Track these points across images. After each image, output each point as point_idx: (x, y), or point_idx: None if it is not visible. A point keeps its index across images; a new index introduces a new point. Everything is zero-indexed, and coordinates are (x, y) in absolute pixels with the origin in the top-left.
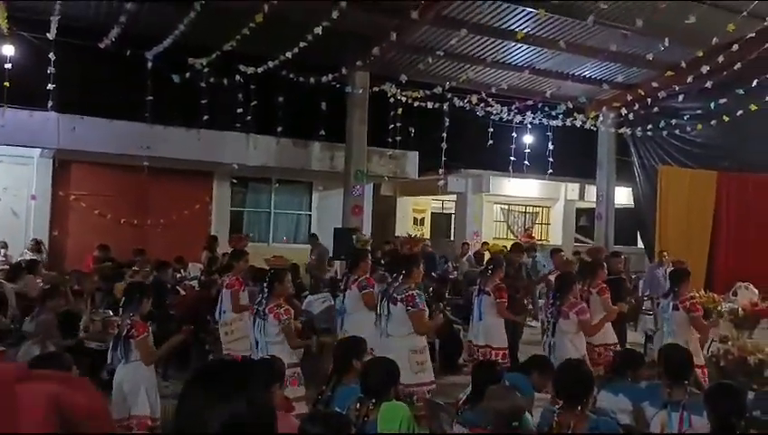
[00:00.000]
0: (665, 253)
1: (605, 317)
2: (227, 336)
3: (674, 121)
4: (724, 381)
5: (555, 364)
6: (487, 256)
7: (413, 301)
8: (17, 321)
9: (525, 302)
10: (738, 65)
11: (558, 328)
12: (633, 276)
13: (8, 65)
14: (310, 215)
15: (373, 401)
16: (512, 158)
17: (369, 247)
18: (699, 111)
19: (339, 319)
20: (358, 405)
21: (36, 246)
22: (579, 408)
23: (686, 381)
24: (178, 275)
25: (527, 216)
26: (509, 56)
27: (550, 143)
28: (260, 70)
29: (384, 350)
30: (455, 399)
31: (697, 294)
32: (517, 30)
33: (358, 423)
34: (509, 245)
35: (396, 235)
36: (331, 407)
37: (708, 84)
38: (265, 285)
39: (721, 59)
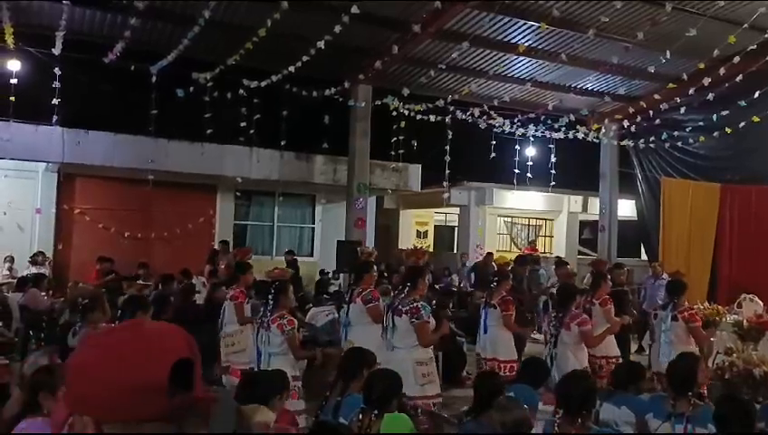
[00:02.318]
0: (657, 264)
1: (608, 329)
2: (228, 348)
3: (676, 133)
4: (732, 394)
5: (557, 376)
6: (492, 266)
7: (418, 312)
8: (21, 334)
9: (528, 314)
10: (740, 77)
11: (560, 340)
12: (636, 288)
13: (14, 80)
14: (313, 228)
15: (376, 412)
16: (515, 170)
17: (374, 260)
18: (701, 123)
19: (343, 331)
20: (360, 416)
21: (38, 259)
22: (579, 420)
23: (690, 393)
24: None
25: (530, 228)
26: (511, 69)
27: (552, 156)
28: (263, 84)
29: (390, 362)
30: (458, 412)
31: (701, 306)
32: (519, 43)
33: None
34: (513, 257)
35: (400, 247)
36: (339, 415)
37: (710, 96)
38: (270, 296)
39: (722, 71)
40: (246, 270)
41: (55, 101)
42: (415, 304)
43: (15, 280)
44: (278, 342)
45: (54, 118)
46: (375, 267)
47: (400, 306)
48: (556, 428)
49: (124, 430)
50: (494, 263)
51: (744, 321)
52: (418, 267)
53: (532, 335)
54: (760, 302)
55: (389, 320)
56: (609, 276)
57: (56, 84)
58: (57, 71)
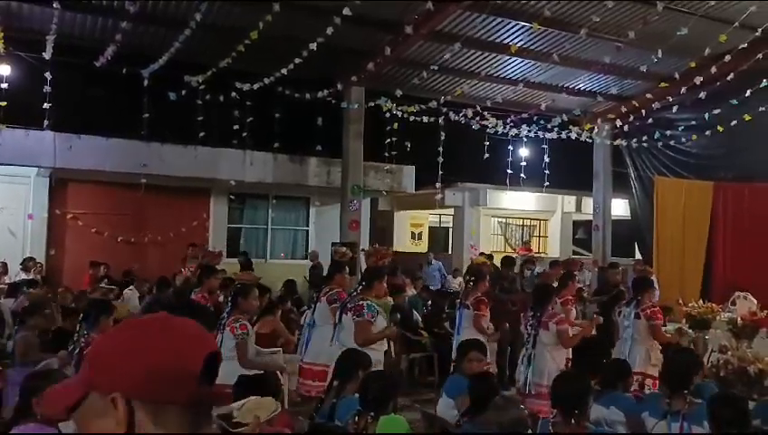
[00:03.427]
0: (647, 268)
1: (583, 330)
2: None
3: (669, 132)
4: (727, 391)
5: (532, 376)
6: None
7: (360, 310)
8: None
9: (522, 315)
10: (731, 76)
11: (538, 340)
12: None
13: (4, 85)
14: (307, 230)
15: (372, 413)
16: (508, 171)
17: (347, 260)
18: (694, 122)
19: (305, 332)
20: (356, 418)
21: (27, 264)
22: (573, 419)
23: (686, 391)
24: None
25: (524, 229)
26: (503, 70)
27: (546, 156)
28: (255, 86)
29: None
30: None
31: (696, 304)
32: (511, 44)
33: None
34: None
35: (394, 250)
36: (335, 417)
37: (702, 95)
38: (230, 299)
39: (714, 70)
40: (212, 274)
41: (46, 105)
42: (360, 302)
43: (6, 286)
44: (230, 346)
45: (46, 122)
46: (347, 268)
47: (348, 304)
48: (551, 428)
49: (151, 410)
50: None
51: (739, 319)
52: (376, 268)
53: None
54: (754, 299)
55: (338, 317)
56: (576, 277)
57: (47, 88)
58: (48, 75)
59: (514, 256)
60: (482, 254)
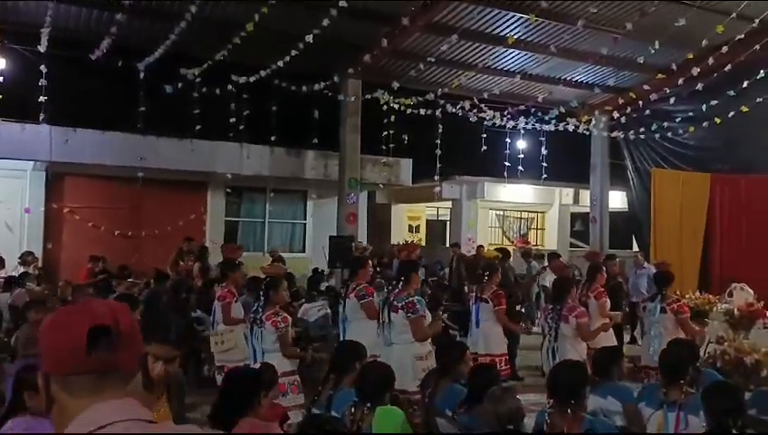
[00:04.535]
0: (638, 253)
1: (603, 325)
2: (217, 346)
3: (666, 124)
4: (721, 380)
5: None
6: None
7: (414, 307)
8: (11, 334)
9: (517, 307)
10: (728, 67)
11: (560, 333)
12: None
13: None
14: (305, 223)
15: (368, 405)
16: (506, 163)
17: (368, 255)
18: (691, 114)
19: (341, 327)
20: (353, 410)
21: (26, 258)
22: (569, 409)
23: (683, 381)
24: None
25: (522, 221)
26: (500, 62)
27: (543, 148)
28: (252, 79)
29: (389, 358)
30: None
31: (693, 296)
32: (508, 35)
33: (352, 428)
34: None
35: (392, 242)
36: (332, 409)
37: (699, 87)
38: (261, 293)
39: (711, 61)
40: (235, 268)
41: (42, 98)
42: (410, 299)
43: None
44: (272, 339)
45: (41, 116)
46: (369, 262)
47: (396, 302)
48: (547, 417)
49: (60, 381)
50: (483, 256)
51: (735, 310)
52: (411, 261)
53: (533, 329)
54: (750, 290)
55: (386, 316)
56: (603, 269)
57: (43, 82)
58: (43, 68)
59: (512, 248)
60: (497, 249)
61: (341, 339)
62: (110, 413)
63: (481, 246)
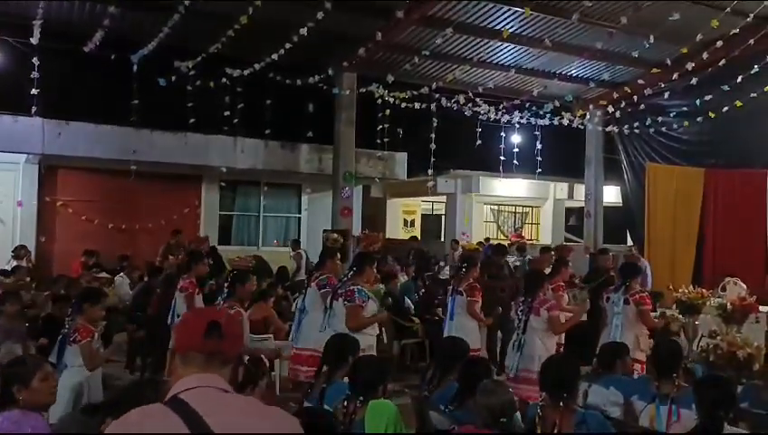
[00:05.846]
0: (632, 248)
1: (573, 317)
2: None
3: (660, 119)
4: (712, 373)
5: (522, 362)
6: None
7: (351, 296)
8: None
9: (514, 301)
10: (723, 62)
11: (529, 325)
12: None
13: None
14: (299, 217)
15: (361, 399)
16: (501, 158)
17: (338, 247)
18: (685, 108)
19: (297, 318)
20: (345, 403)
21: (19, 252)
22: (560, 403)
23: (675, 375)
24: None
25: (517, 215)
26: (495, 56)
27: (538, 143)
28: (246, 72)
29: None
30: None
31: (686, 290)
32: (503, 29)
33: (345, 421)
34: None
35: (387, 237)
36: (324, 401)
37: (694, 81)
38: (227, 285)
39: (706, 56)
40: (200, 260)
41: (34, 91)
42: (351, 288)
43: None
44: None
45: (34, 108)
46: (339, 254)
47: (339, 290)
48: (539, 411)
49: (181, 358)
50: (461, 248)
51: (728, 304)
52: (367, 253)
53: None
54: (743, 285)
55: (329, 303)
56: (569, 264)
57: (35, 74)
58: (36, 60)
59: (507, 243)
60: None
61: (295, 330)
62: (199, 381)
63: (456, 240)
